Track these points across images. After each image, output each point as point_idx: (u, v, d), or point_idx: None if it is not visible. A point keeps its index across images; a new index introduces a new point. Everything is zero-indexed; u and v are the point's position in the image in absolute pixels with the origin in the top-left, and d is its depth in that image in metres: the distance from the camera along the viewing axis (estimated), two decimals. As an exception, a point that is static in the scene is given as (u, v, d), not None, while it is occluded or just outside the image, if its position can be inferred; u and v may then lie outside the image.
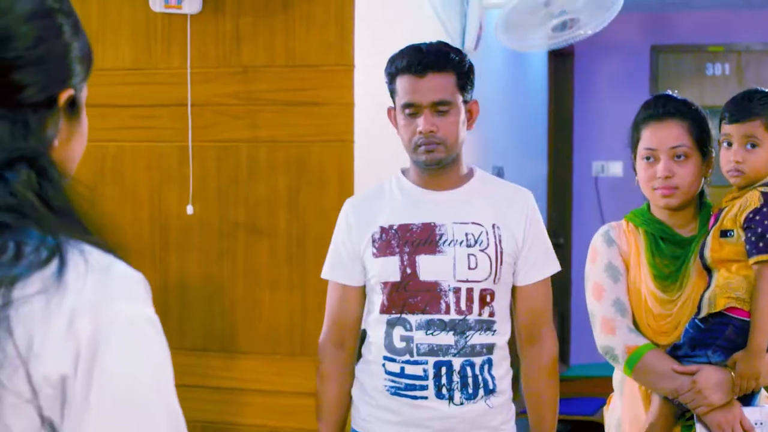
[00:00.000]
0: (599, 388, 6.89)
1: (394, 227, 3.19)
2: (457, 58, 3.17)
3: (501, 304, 3.21)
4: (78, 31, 1.50)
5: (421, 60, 3.13)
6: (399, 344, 3.18)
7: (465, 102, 3.19)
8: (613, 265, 3.24)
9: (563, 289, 8.21)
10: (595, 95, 8.84)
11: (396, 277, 3.17)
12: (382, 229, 3.21)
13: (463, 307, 3.14)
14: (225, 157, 4.13)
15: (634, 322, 3.20)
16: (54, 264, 1.30)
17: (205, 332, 4.16)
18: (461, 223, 3.18)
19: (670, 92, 3.30)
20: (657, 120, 3.18)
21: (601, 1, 5.03)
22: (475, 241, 3.16)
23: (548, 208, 8.30)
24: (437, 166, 3.18)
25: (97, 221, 1.40)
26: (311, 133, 4.01)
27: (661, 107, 3.20)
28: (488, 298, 3.16)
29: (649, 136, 3.18)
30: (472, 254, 3.15)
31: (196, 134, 4.13)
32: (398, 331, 3.19)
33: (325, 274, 3.36)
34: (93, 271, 1.33)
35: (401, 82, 3.17)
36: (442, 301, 3.14)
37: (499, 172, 6.19)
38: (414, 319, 3.15)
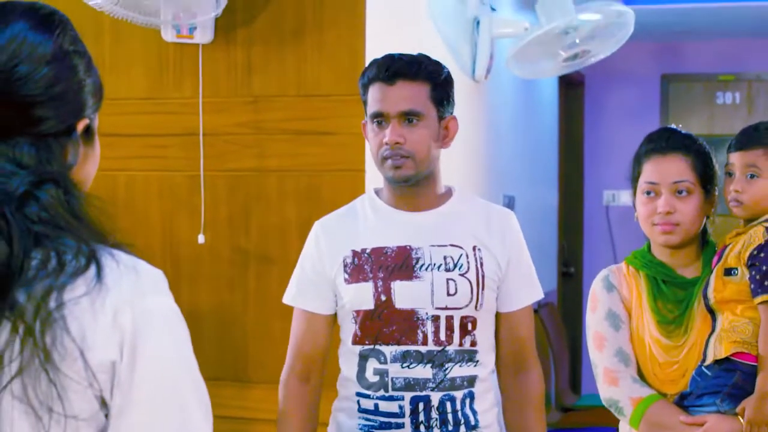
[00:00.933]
0: (611, 418, 6.87)
1: (367, 251, 2.96)
2: (431, 67, 2.95)
3: (484, 333, 2.97)
4: (90, 68, 1.75)
5: (390, 66, 2.92)
6: (372, 378, 2.94)
7: (441, 118, 2.96)
8: (613, 312, 3.06)
9: (575, 317, 8.19)
10: (605, 124, 8.84)
11: (369, 304, 2.92)
12: (354, 253, 2.97)
13: (442, 336, 2.90)
14: (236, 186, 4.14)
15: (640, 372, 3.04)
16: (93, 268, 1.56)
17: (216, 361, 4.16)
18: (439, 246, 2.94)
19: (674, 126, 3.21)
20: (659, 153, 3.05)
21: (610, 30, 5.05)
22: (455, 265, 2.92)
23: (559, 237, 8.29)
24: (407, 184, 2.94)
25: (110, 228, 1.65)
26: (322, 162, 4.02)
27: (664, 141, 3.07)
28: (470, 326, 2.93)
29: (650, 170, 3.04)
30: (452, 279, 2.91)
31: (208, 163, 4.14)
32: (372, 364, 2.94)
33: (289, 300, 3.13)
34: (125, 271, 1.59)
35: (372, 91, 2.95)
36: (419, 331, 2.89)
37: (510, 201, 6.19)
38: (388, 350, 2.91)
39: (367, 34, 3.98)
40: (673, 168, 3.03)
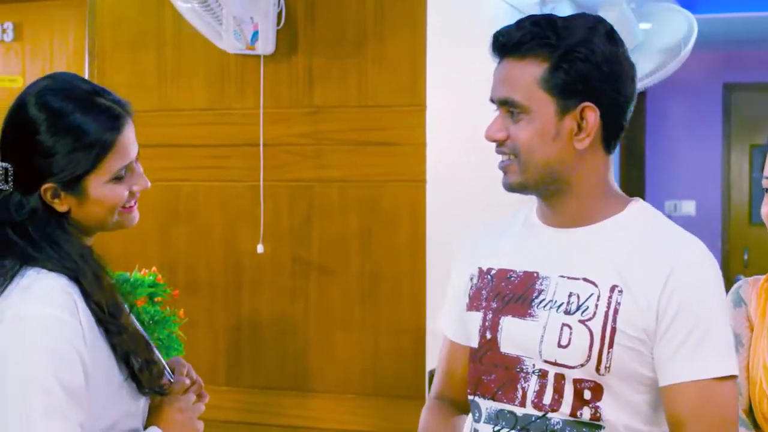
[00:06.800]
0: None
1: (493, 272, 2.24)
2: (552, 38, 2.10)
3: (619, 408, 2.10)
4: (58, 143, 2.07)
5: (500, 36, 2.15)
6: None
7: (565, 110, 2.10)
8: (734, 333, 2.23)
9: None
10: (667, 134, 8.78)
11: (474, 341, 2.22)
12: (480, 272, 2.27)
13: (545, 399, 2.11)
14: (297, 196, 4.15)
15: (751, 409, 2.36)
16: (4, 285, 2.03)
17: (277, 371, 4.17)
18: (569, 278, 2.13)
19: None
20: None
21: (671, 51, 5.04)
22: (578, 307, 2.10)
23: (620, 248, 8.24)
24: (523, 193, 2.20)
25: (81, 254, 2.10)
26: (383, 172, 4.02)
27: None
28: (588, 394, 2.08)
29: None
30: (567, 325, 2.09)
31: (268, 174, 4.16)
32: (469, 421, 2.27)
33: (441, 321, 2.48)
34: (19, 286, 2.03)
35: None
36: (518, 386, 2.14)
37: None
38: (484, 405, 2.19)
39: (428, 44, 3.98)
40: None
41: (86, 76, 4.45)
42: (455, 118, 4.25)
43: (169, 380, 2.26)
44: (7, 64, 5.64)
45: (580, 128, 2.11)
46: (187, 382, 2.27)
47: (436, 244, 3.99)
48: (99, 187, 2.11)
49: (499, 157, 2.18)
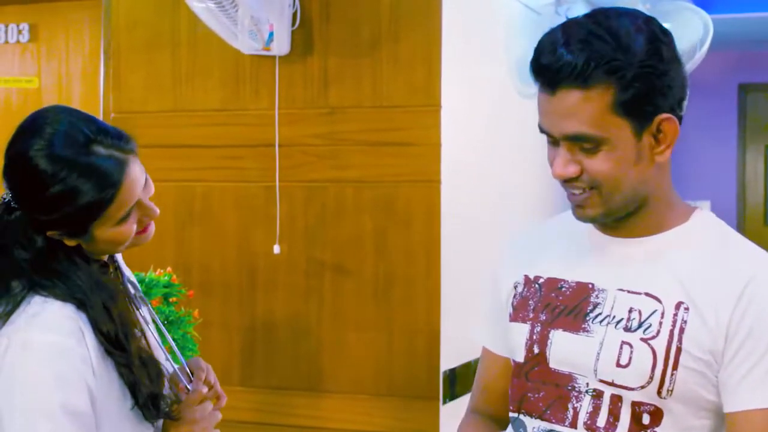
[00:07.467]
0: None
1: (541, 280, 2.12)
2: (621, 59, 1.88)
3: None
4: (59, 201, 2.05)
5: (550, 64, 1.92)
6: None
7: (643, 126, 1.96)
8: None
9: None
10: (681, 134, 8.69)
11: (520, 355, 2.11)
12: (526, 280, 2.15)
13: (599, 422, 1.97)
14: (312, 197, 4.15)
15: None
16: (11, 309, 2.06)
17: (291, 371, 4.17)
18: (629, 292, 1.99)
19: None
20: None
21: (687, 53, 5.02)
22: (639, 324, 1.96)
23: (635, 249, 8.22)
24: (603, 221, 2.07)
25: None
26: (398, 173, 4.02)
27: None
28: (647, 419, 1.95)
29: None
30: (628, 343, 1.95)
31: (283, 174, 4.16)
32: None
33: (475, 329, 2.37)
34: (26, 313, 2.05)
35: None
36: (570, 406, 2.01)
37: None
38: (531, 425, 2.07)
39: (443, 45, 3.98)
40: None
41: (101, 77, 4.47)
42: (470, 119, 4.25)
43: (187, 387, 2.26)
44: (23, 65, 5.65)
45: (657, 140, 2.00)
46: (204, 390, 2.26)
47: (450, 245, 3.99)
48: (106, 231, 2.12)
49: (559, 187, 2.04)
